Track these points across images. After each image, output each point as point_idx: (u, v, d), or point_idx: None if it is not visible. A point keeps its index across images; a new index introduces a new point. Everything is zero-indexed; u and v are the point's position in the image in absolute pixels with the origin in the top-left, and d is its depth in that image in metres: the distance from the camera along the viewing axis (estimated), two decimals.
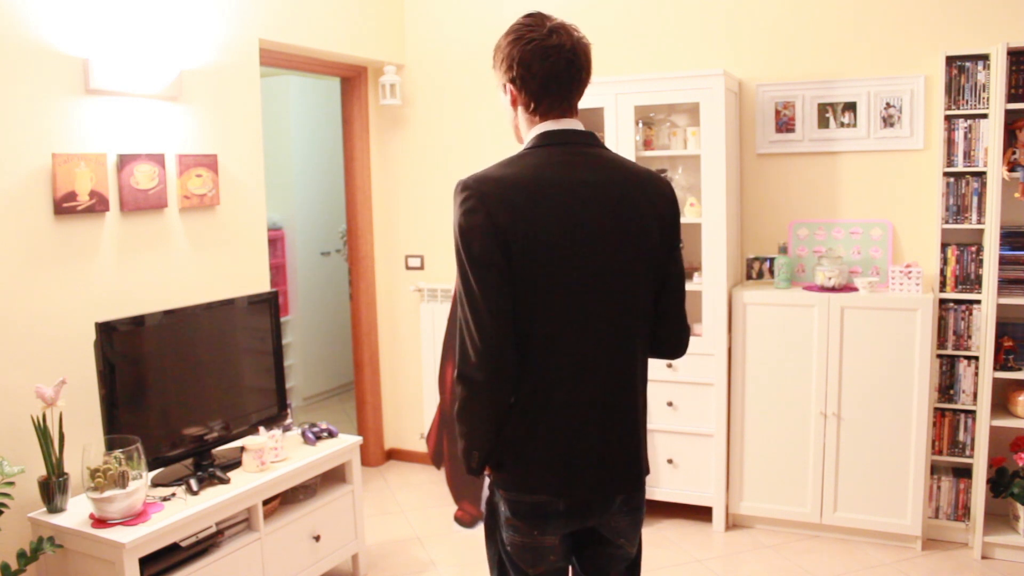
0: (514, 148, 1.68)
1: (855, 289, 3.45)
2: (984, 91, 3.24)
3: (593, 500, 1.65)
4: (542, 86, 1.59)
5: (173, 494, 2.61)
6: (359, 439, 3.28)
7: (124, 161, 2.82)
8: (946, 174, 3.31)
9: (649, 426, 3.68)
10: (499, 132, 4.21)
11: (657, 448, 3.69)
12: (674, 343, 1.75)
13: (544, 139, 1.62)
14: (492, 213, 1.51)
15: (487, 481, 1.72)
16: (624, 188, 1.61)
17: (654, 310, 1.68)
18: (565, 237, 1.55)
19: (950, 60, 3.27)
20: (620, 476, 1.66)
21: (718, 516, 3.64)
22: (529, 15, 1.62)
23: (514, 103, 1.65)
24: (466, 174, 1.62)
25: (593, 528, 1.70)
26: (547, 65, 1.57)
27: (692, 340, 3.58)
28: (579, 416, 1.61)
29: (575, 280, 1.57)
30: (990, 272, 3.19)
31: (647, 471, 1.73)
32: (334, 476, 3.23)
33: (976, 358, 3.31)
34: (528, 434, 1.61)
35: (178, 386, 2.81)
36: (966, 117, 3.27)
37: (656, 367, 3.63)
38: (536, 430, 1.60)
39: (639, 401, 1.68)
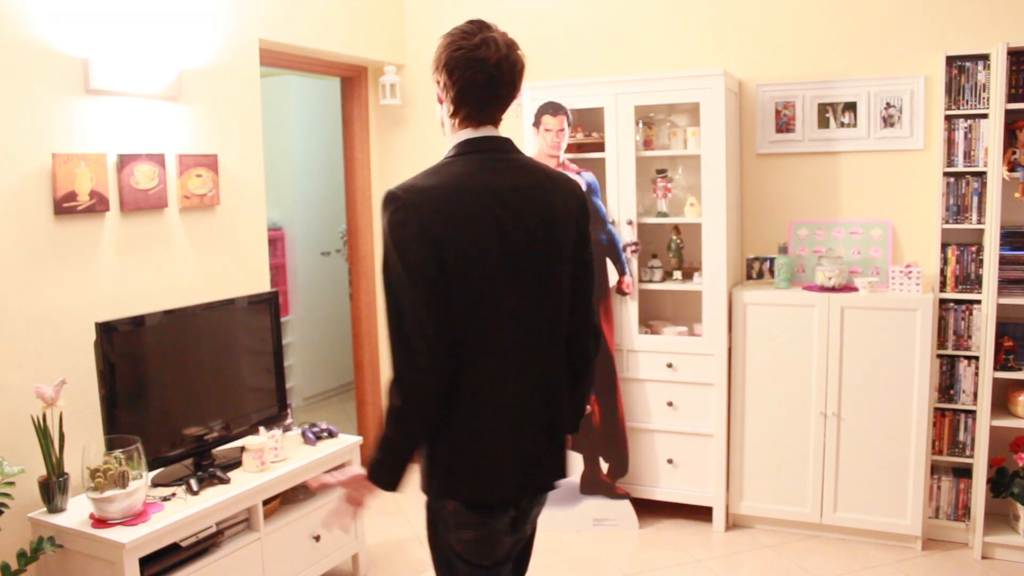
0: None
1: (855, 289, 3.45)
2: (984, 91, 3.24)
3: (522, 497, 1.73)
4: (460, 94, 1.63)
5: (173, 494, 2.61)
6: (359, 439, 3.28)
7: (124, 161, 2.82)
8: (946, 174, 3.31)
9: (649, 426, 3.69)
10: (500, 131, 4.20)
11: (657, 448, 3.69)
12: (580, 344, 1.79)
13: (465, 147, 1.66)
14: (424, 223, 1.54)
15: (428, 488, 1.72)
16: (546, 191, 1.67)
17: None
18: (496, 243, 1.59)
19: (950, 60, 3.27)
20: (558, 467, 1.77)
21: (718, 516, 3.64)
22: (471, 22, 1.65)
23: (440, 102, 1.71)
24: None
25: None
26: (467, 75, 1.60)
27: (692, 340, 3.60)
28: (519, 417, 1.66)
29: (509, 284, 1.61)
30: (990, 272, 3.19)
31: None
32: None
33: (976, 358, 3.31)
34: (473, 436, 1.64)
35: (178, 386, 2.81)
36: (966, 117, 3.27)
37: (656, 367, 3.64)
38: (481, 432, 1.64)
39: (565, 397, 1.77)
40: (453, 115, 1.67)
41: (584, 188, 3.62)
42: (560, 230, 1.67)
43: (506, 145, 1.69)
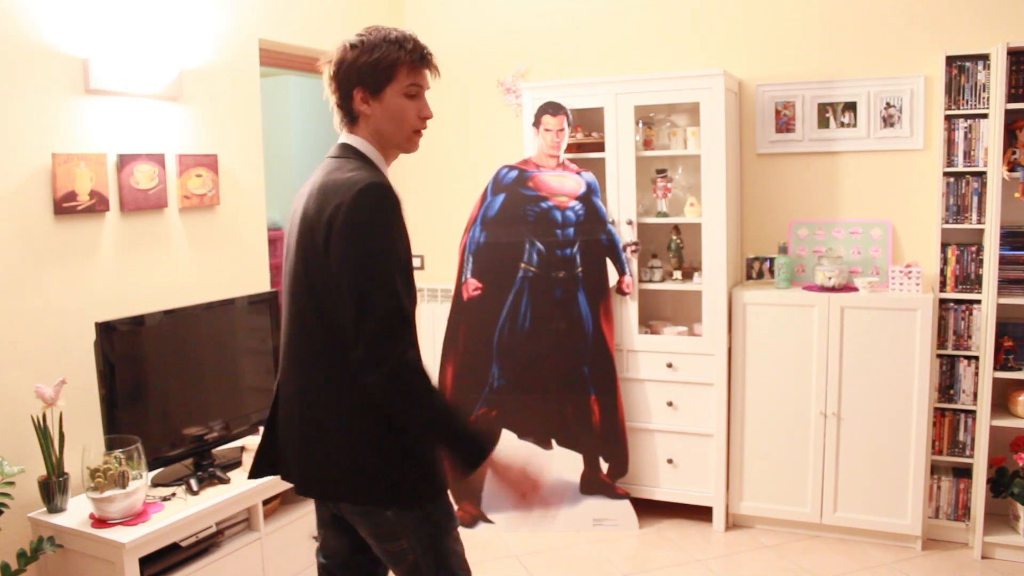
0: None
1: (855, 289, 3.45)
2: (984, 91, 3.24)
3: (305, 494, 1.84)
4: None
5: (173, 494, 2.61)
6: None
7: (124, 161, 2.82)
8: (946, 174, 3.31)
9: (649, 426, 3.69)
10: (500, 131, 4.21)
11: (657, 448, 3.69)
12: (360, 368, 1.60)
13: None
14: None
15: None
16: (307, 197, 1.70)
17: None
18: (289, 244, 1.75)
19: (950, 60, 3.27)
20: (315, 486, 1.83)
21: (718, 516, 3.64)
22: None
23: None
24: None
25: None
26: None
27: (692, 340, 3.59)
28: (285, 419, 1.91)
29: (285, 285, 1.77)
30: (990, 272, 3.19)
31: (371, 494, 1.72)
32: None
33: (976, 358, 3.31)
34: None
35: (178, 386, 2.81)
36: (966, 117, 3.27)
37: (656, 367, 3.64)
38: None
39: (343, 413, 1.69)
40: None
41: (585, 189, 3.63)
42: (304, 240, 1.68)
43: (333, 151, 1.81)
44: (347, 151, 1.73)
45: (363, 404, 1.63)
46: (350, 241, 1.57)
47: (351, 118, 1.76)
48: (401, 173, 4.51)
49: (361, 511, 1.70)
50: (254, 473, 1.88)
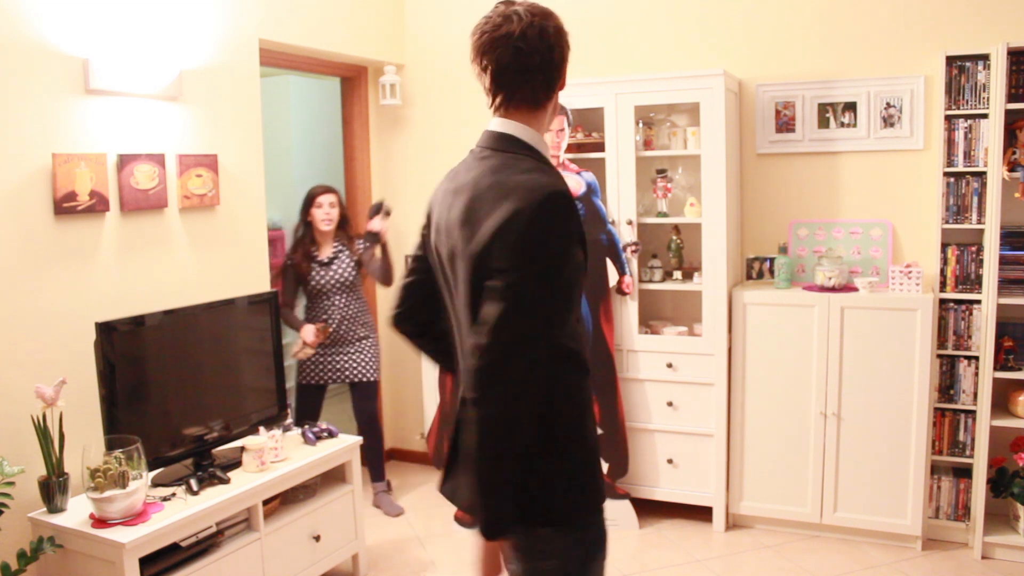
0: None
1: (855, 289, 3.45)
2: (984, 91, 3.23)
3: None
4: (490, 79, 1.51)
5: (173, 494, 2.61)
6: (359, 439, 3.28)
7: (124, 161, 2.82)
8: (946, 174, 3.31)
9: (649, 426, 3.69)
10: None
11: (657, 448, 3.69)
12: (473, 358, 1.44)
13: (478, 142, 1.60)
14: (428, 209, 1.69)
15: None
16: (475, 197, 1.48)
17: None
18: (433, 238, 1.64)
19: (950, 60, 3.27)
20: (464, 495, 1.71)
21: (718, 516, 3.64)
22: (496, 5, 1.52)
23: None
24: None
25: None
26: (495, 55, 1.48)
27: (692, 340, 3.60)
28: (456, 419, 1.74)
29: (443, 284, 1.64)
30: (990, 272, 3.19)
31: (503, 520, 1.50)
32: (334, 476, 3.23)
33: (976, 358, 3.31)
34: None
35: (178, 386, 2.81)
36: (966, 117, 3.27)
37: (656, 367, 3.64)
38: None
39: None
40: (491, 105, 1.55)
41: (585, 189, 3.62)
42: (472, 240, 1.46)
43: (490, 143, 1.54)
44: (516, 145, 1.53)
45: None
46: (519, 257, 1.40)
47: (535, 102, 1.52)
48: (401, 172, 4.51)
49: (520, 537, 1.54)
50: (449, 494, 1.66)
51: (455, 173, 1.61)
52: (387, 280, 3.85)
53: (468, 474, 1.47)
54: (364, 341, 3.86)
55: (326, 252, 3.79)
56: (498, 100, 1.53)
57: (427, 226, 1.68)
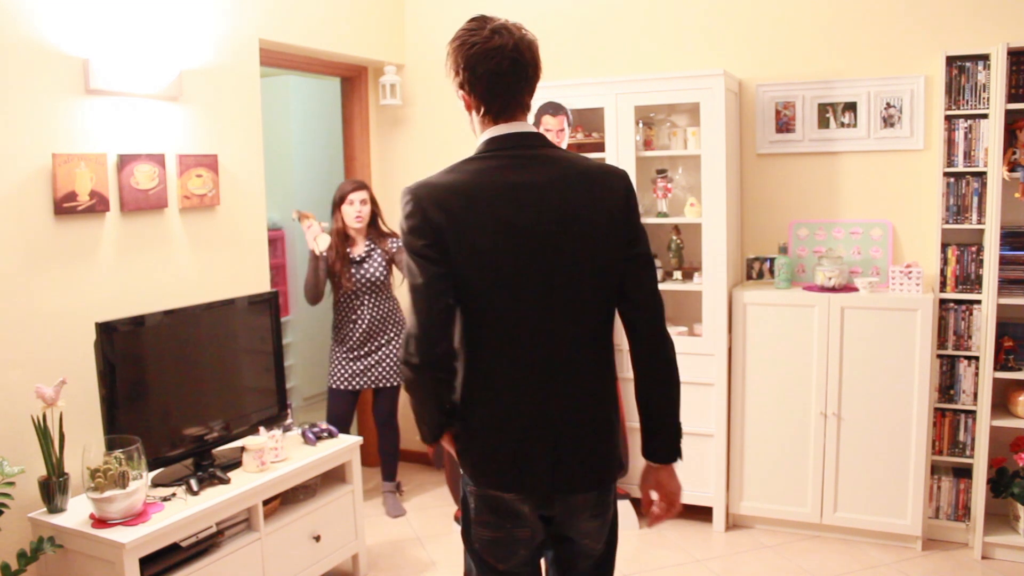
0: None
1: (855, 289, 3.45)
2: (984, 91, 3.24)
3: (552, 497, 1.68)
4: (488, 89, 1.63)
5: (173, 494, 2.61)
6: (359, 439, 3.28)
7: (124, 161, 2.82)
8: (946, 174, 3.31)
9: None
10: None
11: None
12: (639, 345, 1.71)
13: (490, 144, 1.67)
14: (427, 215, 1.59)
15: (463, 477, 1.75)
16: (566, 187, 1.62)
17: (625, 300, 1.70)
18: (501, 239, 1.59)
19: (950, 60, 3.27)
20: (578, 475, 1.67)
21: (718, 516, 3.64)
22: (472, 19, 1.65)
23: (468, 108, 1.70)
24: None
25: (561, 524, 1.73)
26: (491, 66, 1.60)
27: (692, 340, 3.59)
28: (527, 414, 1.65)
29: (513, 280, 1.61)
30: (990, 272, 3.19)
31: (619, 470, 1.76)
32: (334, 476, 3.23)
33: (976, 358, 3.31)
34: (477, 429, 1.67)
35: (178, 386, 2.81)
36: (966, 117, 3.27)
37: None
38: (484, 427, 1.66)
39: (599, 399, 1.70)
40: (485, 113, 1.66)
41: None
42: (579, 226, 1.61)
43: (531, 141, 1.66)
44: (546, 141, 1.70)
45: (612, 378, 1.73)
46: (638, 219, 1.70)
47: (527, 107, 1.70)
48: (401, 172, 4.51)
49: (604, 497, 1.74)
50: (515, 486, 1.68)
51: (495, 175, 1.62)
52: None
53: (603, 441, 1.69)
54: (392, 343, 3.81)
55: (358, 250, 3.75)
56: (497, 106, 1.65)
57: (461, 238, 1.59)
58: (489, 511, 1.69)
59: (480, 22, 1.63)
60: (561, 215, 1.60)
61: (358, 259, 3.72)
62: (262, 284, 3.49)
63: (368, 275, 3.71)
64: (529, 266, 1.60)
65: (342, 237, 3.74)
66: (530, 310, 1.62)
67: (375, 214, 3.81)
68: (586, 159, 1.70)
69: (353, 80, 4.41)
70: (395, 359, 3.81)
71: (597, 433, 1.69)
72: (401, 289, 4.45)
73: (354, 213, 3.70)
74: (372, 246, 3.76)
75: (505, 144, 1.65)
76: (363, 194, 3.73)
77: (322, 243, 3.63)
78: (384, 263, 3.75)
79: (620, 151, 3.62)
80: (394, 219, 4.22)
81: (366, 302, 3.73)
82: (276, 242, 5.42)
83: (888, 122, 3.54)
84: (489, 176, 1.62)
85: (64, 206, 2.62)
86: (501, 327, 1.62)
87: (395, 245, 3.79)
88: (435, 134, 4.42)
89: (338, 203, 3.74)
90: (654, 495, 1.78)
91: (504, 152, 1.65)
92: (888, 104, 3.53)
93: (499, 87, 1.62)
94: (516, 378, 1.64)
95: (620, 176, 1.69)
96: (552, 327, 1.63)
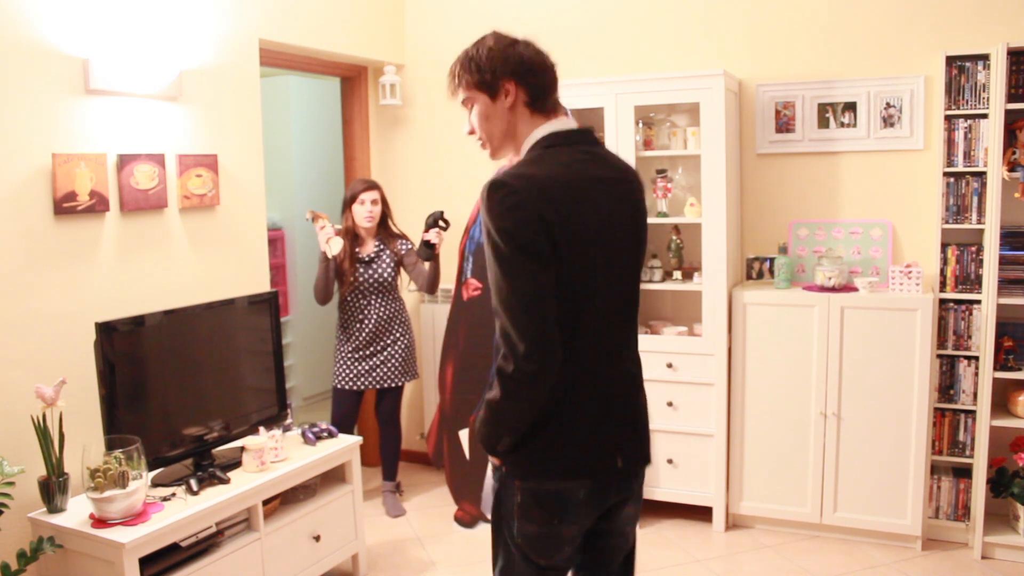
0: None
1: (855, 289, 3.45)
2: (984, 91, 3.24)
3: (615, 480, 1.72)
4: (544, 82, 1.72)
5: (173, 494, 2.61)
6: (359, 439, 3.28)
7: (124, 161, 2.82)
8: (946, 174, 3.31)
9: (649, 426, 3.68)
10: None
11: (657, 448, 3.69)
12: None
13: (555, 139, 1.68)
14: (538, 207, 1.54)
15: (489, 474, 1.75)
16: (629, 182, 1.74)
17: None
18: (601, 232, 1.63)
19: (950, 60, 3.27)
20: (640, 453, 1.77)
21: (718, 516, 3.64)
22: (495, 33, 1.78)
23: (514, 106, 1.70)
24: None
25: (607, 517, 1.75)
26: (546, 62, 1.74)
27: (692, 340, 3.60)
28: (603, 401, 1.68)
29: (607, 271, 1.65)
30: (990, 272, 3.19)
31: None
32: (334, 476, 3.23)
33: (976, 358, 3.31)
34: (558, 421, 1.65)
35: (178, 386, 2.81)
36: (966, 117, 3.27)
37: (656, 367, 3.63)
38: (566, 417, 1.65)
39: (642, 385, 1.82)
40: (539, 108, 1.71)
41: None
42: (642, 220, 1.76)
43: (590, 137, 1.74)
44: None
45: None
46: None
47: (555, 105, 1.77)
48: (401, 173, 4.51)
49: (642, 483, 1.84)
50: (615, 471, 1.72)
51: (582, 168, 1.66)
52: (432, 289, 3.80)
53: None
54: (397, 344, 3.80)
55: (367, 250, 3.74)
56: (552, 101, 1.73)
57: (566, 231, 1.57)
58: (539, 507, 1.67)
59: (508, 37, 1.75)
60: (635, 208, 1.73)
61: (367, 259, 3.72)
62: (262, 284, 3.49)
63: (376, 275, 3.71)
64: (618, 256, 1.69)
65: (351, 236, 3.74)
66: (615, 302, 1.69)
67: (385, 215, 3.81)
68: (619, 157, 1.82)
69: (353, 80, 4.41)
70: (400, 359, 3.81)
71: (646, 417, 1.81)
72: (407, 290, 4.45)
73: (365, 213, 3.69)
74: (381, 247, 3.75)
75: (571, 139, 1.70)
76: (374, 194, 3.72)
77: (335, 247, 3.62)
78: (393, 264, 3.75)
79: (620, 151, 3.61)
80: (405, 220, 4.23)
81: (373, 302, 3.73)
82: (276, 242, 5.43)
83: (888, 122, 3.54)
84: (579, 170, 1.64)
85: (64, 206, 2.62)
86: (589, 315, 1.64)
87: (404, 247, 3.79)
88: (435, 134, 4.42)
89: (349, 202, 3.74)
90: None
91: (575, 148, 1.69)
92: (888, 104, 3.53)
93: (552, 82, 1.73)
94: (597, 366, 1.67)
95: (639, 176, 1.83)
96: (625, 318, 1.74)
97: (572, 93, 3.66)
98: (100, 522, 2.38)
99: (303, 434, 3.17)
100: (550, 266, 1.55)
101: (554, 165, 1.62)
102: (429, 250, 3.65)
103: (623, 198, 1.71)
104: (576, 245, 1.57)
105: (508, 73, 1.68)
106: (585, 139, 1.72)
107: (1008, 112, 3.12)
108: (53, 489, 2.46)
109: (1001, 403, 3.32)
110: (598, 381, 1.67)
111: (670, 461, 3.67)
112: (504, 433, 1.65)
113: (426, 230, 3.65)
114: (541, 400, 1.62)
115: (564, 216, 1.55)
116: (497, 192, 1.55)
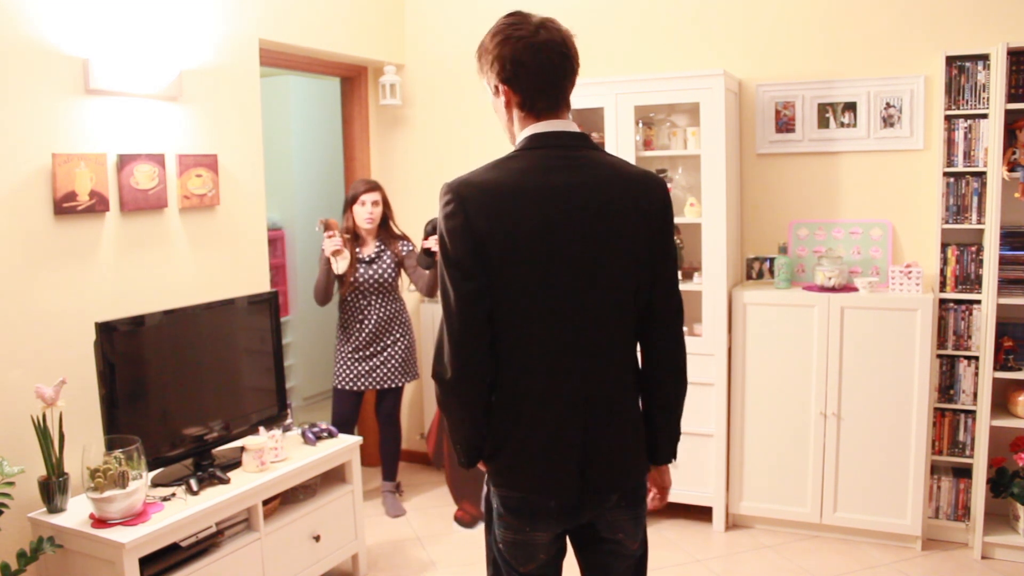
0: (504, 148, 1.68)
1: (855, 289, 3.45)
2: (984, 91, 3.24)
3: (584, 499, 1.65)
4: (535, 84, 1.59)
5: (173, 494, 2.61)
6: (359, 439, 3.28)
7: (124, 161, 2.82)
8: (946, 174, 3.31)
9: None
10: (498, 132, 4.20)
11: None
12: (662, 338, 1.70)
13: (532, 141, 1.61)
14: (470, 217, 1.54)
15: (487, 477, 1.74)
16: (604, 189, 1.59)
17: (647, 305, 1.66)
18: (540, 241, 1.55)
19: (950, 60, 3.27)
20: (608, 474, 1.66)
21: (718, 516, 3.64)
22: (511, 14, 1.61)
23: (508, 105, 1.64)
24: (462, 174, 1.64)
25: (591, 524, 1.71)
26: (541, 60, 1.57)
27: (692, 340, 3.59)
28: (559, 414, 1.62)
29: (549, 282, 1.57)
30: (990, 272, 3.19)
31: (647, 467, 1.76)
32: (334, 476, 3.23)
33: (976, 358, 3.31)
34: (510, 431, 1.64)
35: (178, 386, 2.81)
36: (966, 117, 3.27)
37: None
38: (517, 427, 1.63)
39: (629, 396, 1.69)
40: (530, 109, 1.61)
41: None
42: (615, 228, 1.58)
43: (577, 141, 1.62)
44: (591, 141, 1.67)
45: (635, 382, 1.72)
46: (672, 232, 1.70)
47: (569, 103, 1.67)
48: (401, 173, 4.51)
49: (635, 490, 1.73)
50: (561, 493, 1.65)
51: (539, 176, 1.57)
52: (432, 293, 3.81)
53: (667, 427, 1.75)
54: (397, 344, 3.80)
55: (368, 251, 3.74)
56: (543, 102, 1.61)
57: (501, 236, 1.54)
58: (510, 513, 1.67)
59: (521, 16, 1.59)
60: (597, 215, 1.57)
61: (367, 259, 3.72)
62: (262, 284, 3.49)
63: (377, 276, 3.71)
64: (565, 266, 1.57)
65: (352, 237, 3.74)
66: (562, 309, 1.58)
67: (386, 216, 3.81)
68: (628, 163, 1.67)
69: (353, 80, 4.41)
70: (400, 360, 3.81)
71: (624, 435, 1.67)
72: (407, 291, 4.46)
73: (365, 214, 3.70)
74: (382, 247, 3.75)
75: (547, 142, 1.60)
76: (375, 195, 3.73)
77: (341, 264, 3.63)
78: (393, 265, 3.75)
79: (620, 151, 3.62)
80: (404, 221, 4.23)
81: (373, 302, 3.73)
82: (276, 242, 5.42)
83: (888, 122, 3.54)
84: (533, 177, 1.57)
85: (64, 206, 2.62)
86: (533, 327, 1.59)
87: (406, 248, 3.79)
88: (435, 134, 4.42)
89: (350, 203, 3.74)
90: (651, 490, 1.84)
91: (546, 151, 1.60)
92: (888, 104, 3.53)
93: (548, 82, 1.59)
94: (547, 378, 1.60)
95: (660, 184, 1.65)
96: (585, 325, 1.60)
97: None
98: (100, 522, 2.38)
99: (303, 434, 3.17)
100: (474, 278, 1.54)
101: (511, 171, 1.58)
102: (429, 258, 3.65)
103: (584, 208, 1.56)
104: (512, 259, 1.54)
105: (495, 75, 1.62)
106: (569, 142, 1.61)
107: (1008, 112, 3.12)
108: (53, 489, 2.46)
109: (1001, 403, 3.32)
110: (547, 401, 1.60)
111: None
112: (456, 442, 1.68)
113: (425, 237, 3.65)
114: (472, 410, 1.61)
115: (499, 225, 1.53)
116: (441, 197, 1.59)
